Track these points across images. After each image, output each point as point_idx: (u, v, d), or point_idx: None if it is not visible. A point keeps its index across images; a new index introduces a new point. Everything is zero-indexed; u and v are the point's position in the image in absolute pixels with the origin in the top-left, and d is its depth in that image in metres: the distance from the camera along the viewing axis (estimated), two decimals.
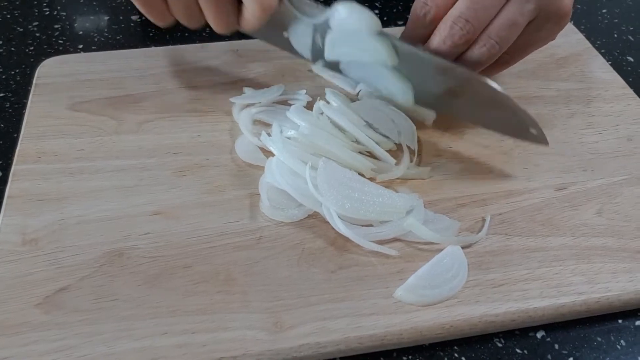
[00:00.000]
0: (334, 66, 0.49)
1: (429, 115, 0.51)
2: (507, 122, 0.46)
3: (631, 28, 0.68)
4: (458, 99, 0.47)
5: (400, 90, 0.48)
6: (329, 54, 0.47)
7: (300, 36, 0.48)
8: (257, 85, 0.54)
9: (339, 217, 0.42)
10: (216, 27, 0.46)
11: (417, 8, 0.45)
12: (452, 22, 0.43)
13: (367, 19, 0.44)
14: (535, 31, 0.46)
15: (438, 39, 0.44)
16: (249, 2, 0.44)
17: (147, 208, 0.44)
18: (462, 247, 0.42)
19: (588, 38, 0.62)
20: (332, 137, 0.47)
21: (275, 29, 0.48)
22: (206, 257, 0.41)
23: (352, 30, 0.45)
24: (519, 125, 0.46)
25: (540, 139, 0.46)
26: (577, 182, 0.48)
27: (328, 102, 0.50)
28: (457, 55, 0.45)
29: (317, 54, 0.48)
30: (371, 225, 0.43)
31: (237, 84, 0.54)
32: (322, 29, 0.46)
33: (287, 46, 0.50)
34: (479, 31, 0.44)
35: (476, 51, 0.44)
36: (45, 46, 0.61)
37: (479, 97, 0.46)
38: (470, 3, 0.43)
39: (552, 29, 0.47)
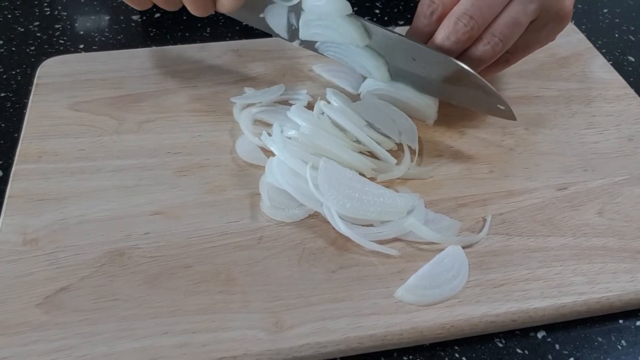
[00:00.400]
0: (310, 45, 0.51)
1: (431, 115, 0.51)
2: (477, 99, 0.47)
3: (632, 28, 0.68)
4: (431, 77, 0.48)
5: (374, 67, 0.49)
6: (304, 35, 0.49)
7: (275, 17, 0.49)
8: (258, 85, 0.54)
9: (339, 217, 0.42)
10: (193, 10, 0.47)
11: (423, 6, 0.45)
12: (456, 19, 0.43)
13: (336, 2, 0.46)
14: (537, 31, 0.46)
15: (442, 35, 0.44)
16: None
17: (147, 208, 0.44)
18: (463, 247, 0.42)
19: (589, 38, 0.62)
20: (332, 137, 0.47)
21: (251, 9, 0.49)
22: (207, 257, 0.41)
23: (323, 13, 0.46)
24: (488, 102, 0.47)
25: (508, 115, 0.47)
26: (577, 182, 0.48)
27: (329, 102, 0.50)
28: (460, 51, 0.45)
29: (293, 34, 0.50)
30: (372, 225, 0.43)
31: (237, 84, 0.54)
32: (296, 11, 0.48)
33: (264, 26, 0.51)
34: (483, 28, 0.44)
35: (480, 48, 0.45)
36: (46, 46, 0.62)
37: (450, 75, 0.46)
38: (475, 0, 0.43)
39: (553, 30, 0.47)
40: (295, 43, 0.51)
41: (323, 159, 0.44)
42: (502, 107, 0.47)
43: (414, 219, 0.42)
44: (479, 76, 0.45)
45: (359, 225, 0.43)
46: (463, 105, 0.50)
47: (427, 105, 0.50)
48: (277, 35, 0.51)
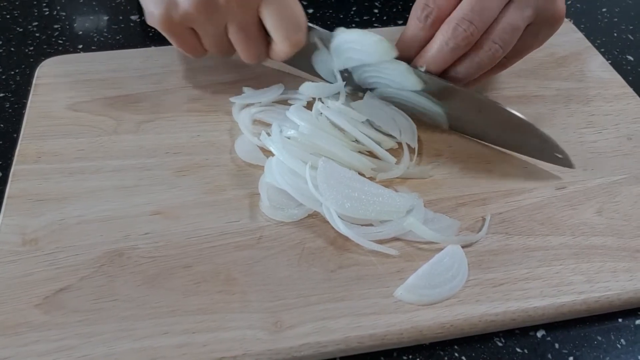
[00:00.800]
0: (362, 89, 0.51)
1: (443, 122, 0.50)
2: (535, 148, 0.48)
3: (631, 27, 0.68)
4: (486, 126, 0.49)
5: (434, 113, 0.49)
6: (358, 79, 0.50)
7: (325, 63, 0.50)
8: (257, 85, 0.54)
9: (339, 216, 0.42)
10: (246, 58, 0.49)
11: (418, 9, 0.45)
12: (455, 24, 0.43)
13: (381, 45, 0.46)
14: (532, 34, 0.46)
15: (441, 40, 0.44)
16: (280, 39, 0.46)
17: (147, 208, 0.44)
18: (462, 247, 0.42)
19: (588, 37, 0.62)
20: (331, 136, 0.47)
21: (302, 56, 0.49)
22: (206, 257, 0.41)
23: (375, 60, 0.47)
24: (547, 150, 0.47)
25: (567, 162, 0.47)
26: (576, 181, 0.48)
27: (326, 102, 0.50)
28: (457, 57, 0.45)
29: (347, 79, 0.50)
30: (371, 225, 0.43)
31: (237, 84, 0.54)
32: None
33: (312, 71, 0.52)
34: (481, 33, 0.44)
35: (480, 55, 0.45)
36: (44, 46, 0.61)
37: (507, 125, 0.47)
38: (474, 5, 0.43)
39: (547, 33, 0.47)
40: (347, 88, 0.51)
41: (322, 158, 0.44)
42: (559, 156, 0.47)
43: (413, 219, 0.42)
44: (536, 126, 0.46)
45: (358, 225, 0.43)
46: (523, 154, 0.49)
47: (440, 115, 0.50)
48: (325, 80, 0.51)
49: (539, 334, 0.40)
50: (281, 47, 0.47)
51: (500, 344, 0.40)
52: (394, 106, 0.50)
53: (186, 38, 0.48)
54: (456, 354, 0.39)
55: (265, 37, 0.48)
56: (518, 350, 0.40)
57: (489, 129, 0.49)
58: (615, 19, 0.69)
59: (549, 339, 0.40)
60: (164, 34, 0.47)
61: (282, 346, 0.37)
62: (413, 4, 0.46)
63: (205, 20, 0.45)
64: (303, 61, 0.51)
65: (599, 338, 0.40)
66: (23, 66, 0.59)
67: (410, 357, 0.39)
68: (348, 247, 0.42)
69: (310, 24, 0.48)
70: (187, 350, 0.36)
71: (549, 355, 0.39)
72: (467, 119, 0.49)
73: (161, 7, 0.44)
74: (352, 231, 0.42)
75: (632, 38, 0.67)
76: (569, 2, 0.71)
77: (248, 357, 0.36)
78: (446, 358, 0.39)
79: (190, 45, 0.48)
